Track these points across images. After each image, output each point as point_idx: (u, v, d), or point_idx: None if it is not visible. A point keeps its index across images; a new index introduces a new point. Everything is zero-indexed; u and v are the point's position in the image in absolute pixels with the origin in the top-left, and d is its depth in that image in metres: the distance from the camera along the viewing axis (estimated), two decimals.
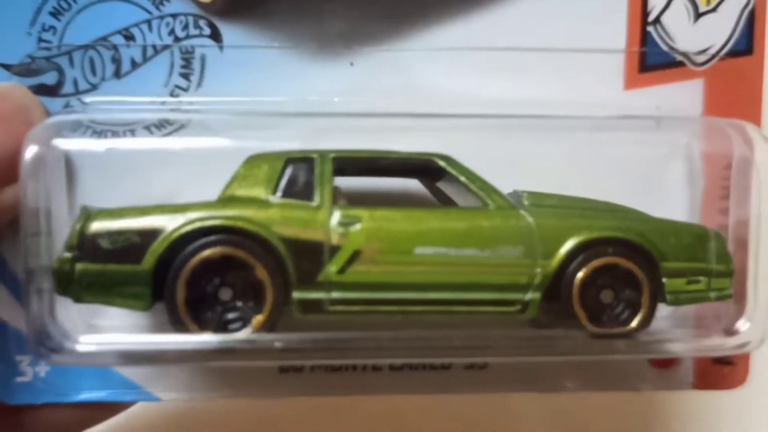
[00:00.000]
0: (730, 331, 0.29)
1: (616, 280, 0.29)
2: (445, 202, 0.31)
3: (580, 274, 0.29)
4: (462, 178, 0.29)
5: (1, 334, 0.36)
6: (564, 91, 0.35)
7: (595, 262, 0.29)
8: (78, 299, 0.28)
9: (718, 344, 0.30)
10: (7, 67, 0.35)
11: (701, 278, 0.30)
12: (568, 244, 0.29)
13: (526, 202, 0.29)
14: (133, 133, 0.34)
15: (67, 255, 0.28)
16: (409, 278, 0.28)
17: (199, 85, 0.34)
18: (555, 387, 0.39)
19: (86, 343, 0.28)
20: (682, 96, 0.36)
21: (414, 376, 0.38)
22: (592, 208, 0.29)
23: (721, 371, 0.39)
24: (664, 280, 0.29)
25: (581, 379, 0.39)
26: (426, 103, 0.34)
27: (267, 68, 0.34)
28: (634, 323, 0.29)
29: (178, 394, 0.37)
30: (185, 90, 0.33)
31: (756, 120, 0.38)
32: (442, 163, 0.29)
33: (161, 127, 0.34)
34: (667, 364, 0.40)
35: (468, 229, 0.29)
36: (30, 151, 0.28)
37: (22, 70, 0.34)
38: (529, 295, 0.29)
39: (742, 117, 0.36)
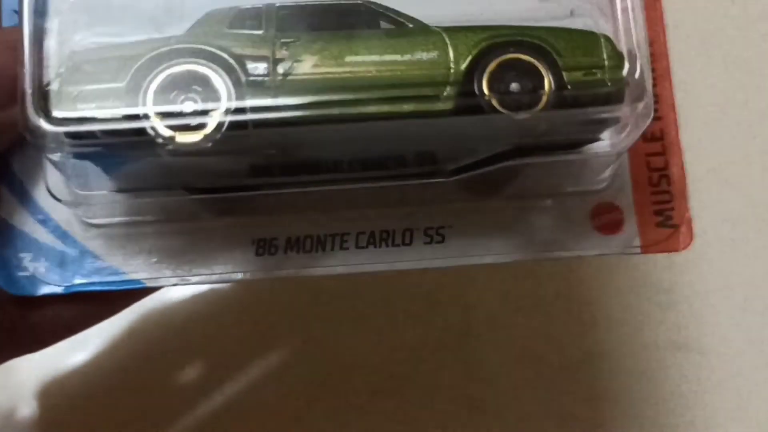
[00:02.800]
0: None
1: (520, 72, 0.35)
2: None
3: (488, 68, 0.35)
4: (385, 12, 0.36)
5: (8, 234, 0.42)
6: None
7: (501, 58, 0.35)
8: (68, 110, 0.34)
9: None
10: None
11: (596, 70, 0.36)
12: (475, 47, 0.36)
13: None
14: None
15: (57, 81, 0.35)
16: (341, 80, 0.35)
17: None
18: (505, 256, 0.43)
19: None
20: None
21: (378, 253, 0.43)
22: (495, 24, 0.36)
23: (666, 234, 0.44)
24: (563, 73, 0.35)
25: (534, 247, 0.43)
26: None
27: None
28: (540, 107, 0.35)
29: (160, 280, 0.42)
30: None
31: (657, 6, 0.44)
32: (368, 4, 0.36)
33: None
34: (613, 229, 0.44)
35: (390, 41, 0.36)
36: None
37: None
38: (447, 91, 0.35)
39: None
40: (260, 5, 0.36)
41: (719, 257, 0.51)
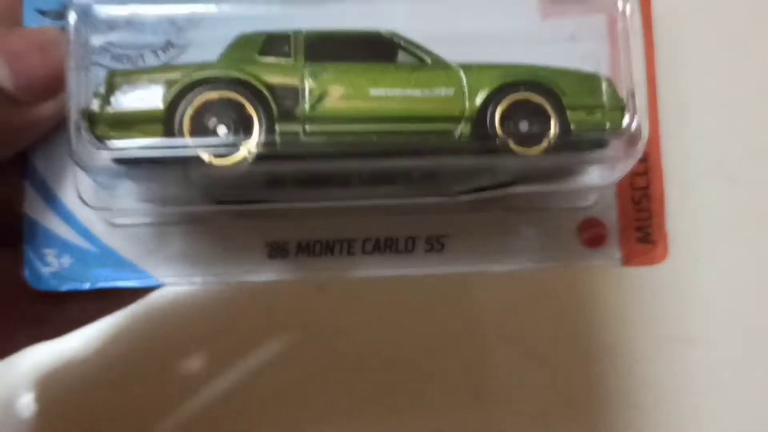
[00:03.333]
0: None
1: (529, 112, 0.39)
2: None
3: (500, 107, 0.39)
4: (406, 45, 0.39)
5: (33, 230, 0.44)
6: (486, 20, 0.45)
7: (511, 97, 0.39)
8: (105, 136, 0.37)
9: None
10: (43, 12, 0.45)
11: (597, 111, 0.39)
12: (489, 86, 0.39)
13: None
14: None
15: (97, 102, 0.37)
16: (365, 112, 0.38)
17: None
18: (499, 265, 0.47)
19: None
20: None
21: (383, 259, 0.46)
22: (508, 64, 0.39)
23: (645, 249, 0.48)
24: (567, 112, 0.39)
25: (526, 257, 0.47)
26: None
27: None
28: (545, 144, 0.39)
29: (179, 278, 0.45)
30: None
31: (648, 37, 0.48)
32: (391, 35, 0.39)
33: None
34: (597, 243, 0.48)
35: (411, 76, 0.39)
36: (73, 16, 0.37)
37: (56, 15, 0.44)
38: (461, 126, 0.38)
39: None
40: (289, 32, 0.39)
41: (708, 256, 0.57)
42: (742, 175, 0.58)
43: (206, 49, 0.42)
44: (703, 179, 0.58)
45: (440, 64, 0.39)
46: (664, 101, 0.47)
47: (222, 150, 0.36)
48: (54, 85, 0.40)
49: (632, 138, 0.38)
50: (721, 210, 0.58)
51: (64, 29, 0.41)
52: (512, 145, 0.37)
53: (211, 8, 0.38)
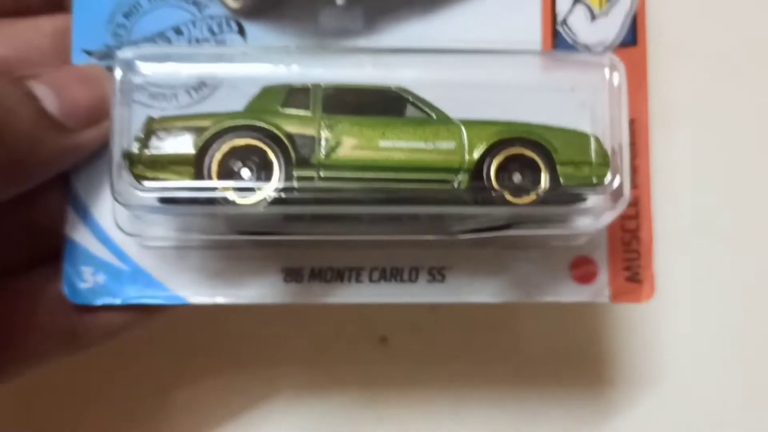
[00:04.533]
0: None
1: (522, 166, 0.43)
2: None
3: (496, 160, 0.43)
4: (414, 100, 0.44)
5: (72, 249, 0.49)
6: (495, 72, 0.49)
7: (507, 152, 0.43)
8: (141, 175, 0.42)
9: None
10: (89, 53, 0.50)
11: (585, 167, 0.44)
12: (487, 141, 0.43)
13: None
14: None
15: (137, 145, 0.42)
16: (374, 161, 0.42)
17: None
18: (495, 297, 0.51)
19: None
20: None
21: (388, 287, 0.51)
22: (505, 121, 0.44)
23: (632, 287, 0.52)
24: (557, 167, 0.43)
25: (521, 291, 0.52)
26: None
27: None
28: (536, 196, 0.43)
29: (202, 298, 0.50)
30: None
31: (643, 93, 0.53)
32: (401, 91, 0.44)
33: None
34: (588, 279, 0.52)
35: (417, 129, 0.43)
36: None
37: (100, 55, 0.50)
38: (460, 176, 0.43)
39: (630, 91, 0.51)
40: (309, 85, 0.44)
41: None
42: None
43: (237, 90, 0.47)
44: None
45: (444, 119, 0.43)
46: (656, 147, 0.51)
47: (245, 191, 0.40)
48: (95, 114, 0.45)
49: (617, 194, 0.42)
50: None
51: (106, 67, 0.46)
52: (506, 195, 0.41)
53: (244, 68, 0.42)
